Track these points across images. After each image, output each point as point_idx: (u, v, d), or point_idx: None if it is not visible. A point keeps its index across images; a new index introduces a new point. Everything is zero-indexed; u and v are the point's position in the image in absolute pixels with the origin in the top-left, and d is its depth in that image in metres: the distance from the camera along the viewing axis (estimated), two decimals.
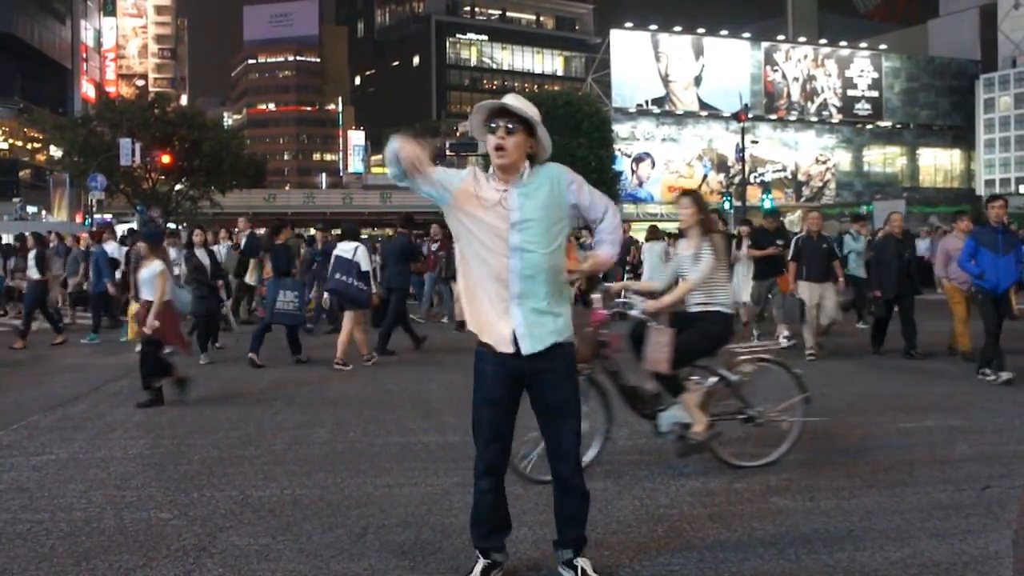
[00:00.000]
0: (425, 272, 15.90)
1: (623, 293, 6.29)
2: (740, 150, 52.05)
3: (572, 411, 3.73)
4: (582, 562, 3.77)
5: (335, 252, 10.93)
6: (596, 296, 5.71)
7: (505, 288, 3.59)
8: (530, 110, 3.63)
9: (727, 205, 50.07)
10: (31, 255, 13.60)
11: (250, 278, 15.12)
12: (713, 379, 5.62)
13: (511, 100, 3.64)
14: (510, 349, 3.60)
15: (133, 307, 11.40)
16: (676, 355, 5.35)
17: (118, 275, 14.60)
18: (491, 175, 3.67)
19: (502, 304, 3.60)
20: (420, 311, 16.21)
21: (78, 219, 47.07)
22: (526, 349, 3.60)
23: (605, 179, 47.08)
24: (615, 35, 64.10)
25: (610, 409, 5.42)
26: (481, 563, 3.78)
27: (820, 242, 11.26)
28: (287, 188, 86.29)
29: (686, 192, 5.84)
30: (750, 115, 57.01)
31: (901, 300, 11.11)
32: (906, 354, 10.86)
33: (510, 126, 3.58)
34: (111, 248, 14.94)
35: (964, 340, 10.66)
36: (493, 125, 3.60)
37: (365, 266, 10.53)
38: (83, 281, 15.42)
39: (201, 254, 11.65)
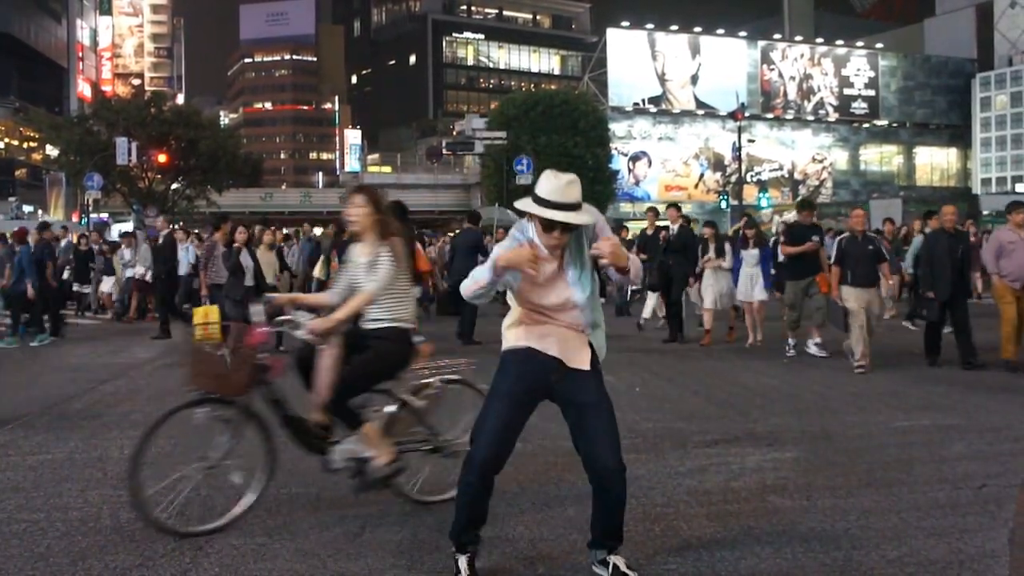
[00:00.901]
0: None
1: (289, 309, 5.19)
2: (736, 149, 52.09)
3: (605, 410, 3.74)
4: (615, 559, 3.79)
5: None
6: (256, 309, 4.79)
7: (579, 329, 3.78)
8: (576, 194, 3.61)
9: (723, 204, 50.14)
10: None
11: (320, 273, 15.03)
12: (393, 406, 4.83)
13: (565, 196, 3.57)
14: (580, 365, 3.76)
15: (201, 311, 11.18)
16: (352, 380, 4.59)
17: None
18: (535, 235, 3.68)
19: (582, 332, 3.79)
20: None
21: (75, 218, 47.05)
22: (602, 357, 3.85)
23: (602, 178, 47.10)
24: (612, 34, 64.15)
25: (272, 445, 4.66)
26: (463, 559, 3.79)
27: (865, 243, 10.09)
28: (284, 187, 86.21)
29: (360, 188, 4.96)
30: (747, 114, 57.08)
31: (954, 302, 10.04)
32: (964, 364, 9.80)
33: (567, 226, 3.61)
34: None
35: (1009, 346, 9.70)
36: (550, 222, 3.57)
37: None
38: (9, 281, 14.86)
39: (243, 255, 10.91)
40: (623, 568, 3.75)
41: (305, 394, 4.74)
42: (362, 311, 4.70)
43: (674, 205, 13.32)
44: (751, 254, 12.39)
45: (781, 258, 14.43)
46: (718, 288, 12.30)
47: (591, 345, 3.81)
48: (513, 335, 3.84)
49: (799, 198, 18.54)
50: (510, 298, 3.89)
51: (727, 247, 12.62)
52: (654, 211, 14.52)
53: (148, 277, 16.45)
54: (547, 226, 3.58)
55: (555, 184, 3.57)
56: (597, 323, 3.82)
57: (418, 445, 4.88)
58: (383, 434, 4.69)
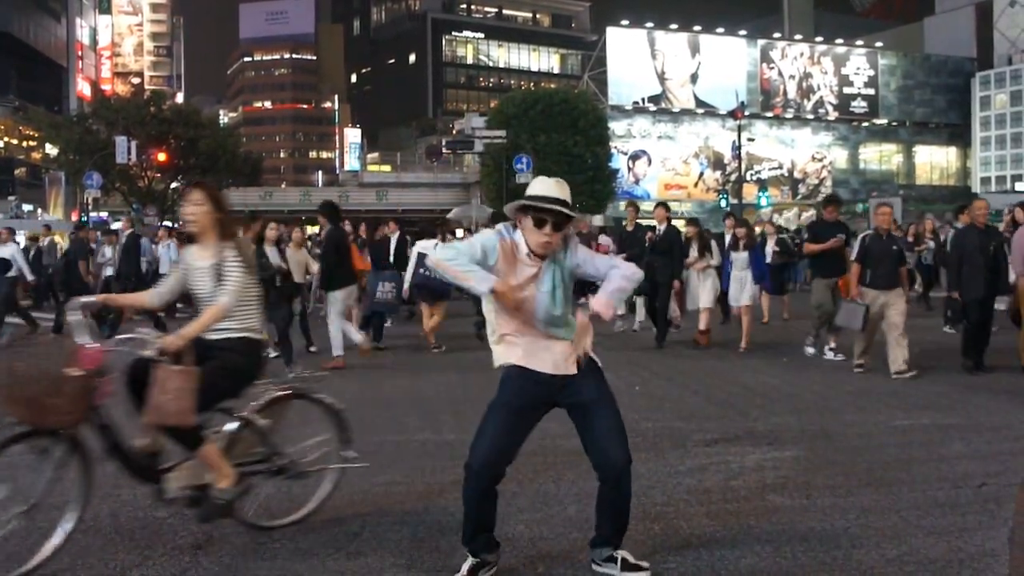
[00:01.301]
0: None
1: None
2: (736, 148, 52.05)
3: (609, 405, 3.78)
4: (622, 553, 3.83)
5: (417, 249, 11.54)
6: (76, 319, 4.11)
7: (546, 334, 3.79)
8: (568, 195, 3.75)
9: (723, 203, 50.13)
10: None
11: None
12: (234, 424, 4.35)
13: (556, 192, 3.72)
14: (572, 370, 3.78)
15: None
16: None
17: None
18: (523, 245, 3.76)
19: (547, 337, 3.79)
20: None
21: (74, 217, 47.04)
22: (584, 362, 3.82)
23: (601, 177, 47.05)
24: (611, 33, 64.09)
25: (91, 477, 4.04)
26: (469, 561, 3.80)
27: (890, 242, 9.51)
28: (283, 186, 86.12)
29: (198, 184, 4.61)
30: (746, 113, 57.00)
31: (983, 302, 9.44)
32: (969, 367, 9.43)
33: (558, 223, 3.69)
34: (6, 251, 14.55)
35: None
36: (541, 218, 3.67)
37: None
38: None
39: (272, 253, 10.13)
40: (633, 560, 3.80)
41: (135, 415, 4.18)
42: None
43: (662, 204, 12.70)
44: (740, 257, 11.88)
45: (769, 259, 14.17)
46: (706, 286, 11.86)
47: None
48: (501, 353, 3.86)
49: (826, 194, 17.12)
50: (486, 309, 3.92)
51: (713, 245, 12.16)
52: (634, 207, 13.87)
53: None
54: (538, 222, 3.67)
55: (546, 183, 3.77)
56: (562, 336, 3.82)
57: (260, 467, 4.44)
58: (223, 455, 4.25)
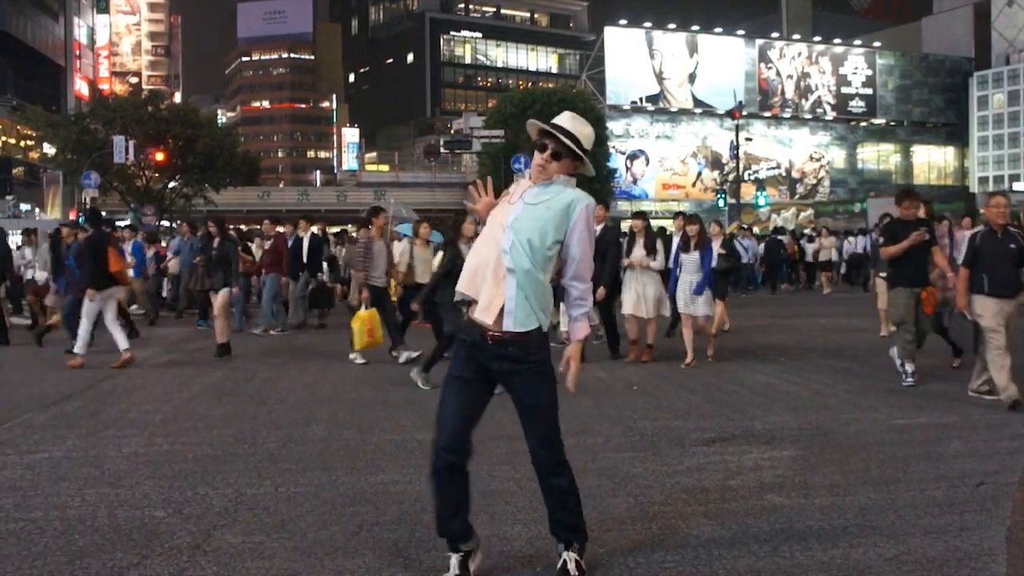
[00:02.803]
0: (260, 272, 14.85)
1: None
2: (734, 147, 52.13)
3: (544, 414, 3.73)
4: (568, 555, 3.75)
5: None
6: None
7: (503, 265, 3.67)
8: (583, 135, 3.74)
9: (721, 203, 50.17)
10: None
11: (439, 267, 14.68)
12: None
13: (568, 123, 3.76)
14: (490, 320, 3.65)
15: (364, 315, 10.49)
16: None
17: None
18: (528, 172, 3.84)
19: (502, 271, 3.66)
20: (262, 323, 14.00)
21: (71, 217, 47.01)
22: (508, 326, 3.64)
23: (599, 176, 47.08)
24: (609, 32, 64.15)
25: None
26: (455, 558, 3.77)
27: (1007, 240, 7.70)
28: (281, 185, 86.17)
29: None
30: (744, 112, 57.08)
31: None
32: None
33: (557, 151, 3.71)
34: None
35: None
36: (543, 143, 3.74)
37: None
38: None
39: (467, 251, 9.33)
40: (571, 569, 3.72)
41: None
42: None
43: (602, 203, 11.11)
44: (691, 258, 10.30)
45: (714, 263, 12.78)
46: (643, 292, 10.43)
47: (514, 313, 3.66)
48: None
49: (901, 188, 15.18)
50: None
51: (659, 245, 10.69)
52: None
53: (42, 279, 15.53)
54: (540, 146, 3.74)
55: (563, 115, 3.82)
56: (535, 303, 3.67)
57: None
58: None
